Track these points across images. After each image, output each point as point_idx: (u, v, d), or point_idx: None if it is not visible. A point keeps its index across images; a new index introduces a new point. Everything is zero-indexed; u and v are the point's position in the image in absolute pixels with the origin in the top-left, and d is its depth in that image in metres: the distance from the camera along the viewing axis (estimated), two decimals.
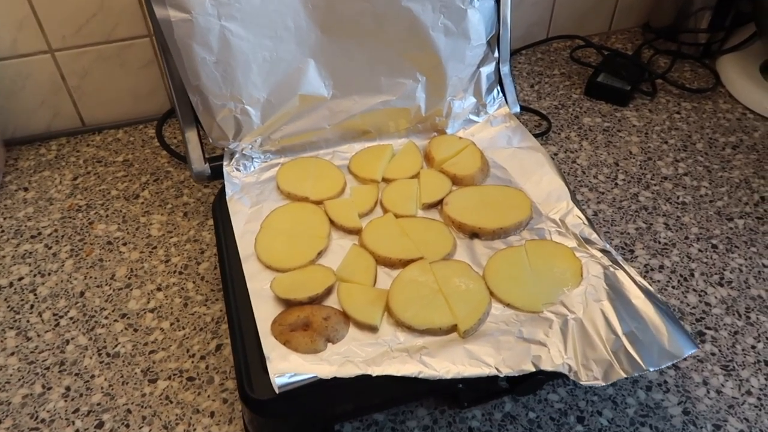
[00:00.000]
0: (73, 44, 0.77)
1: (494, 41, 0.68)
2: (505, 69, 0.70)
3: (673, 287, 0.63)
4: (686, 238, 0.68)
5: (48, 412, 0.54)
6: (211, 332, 0.60)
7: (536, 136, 0.71)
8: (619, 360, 0.45)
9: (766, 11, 0.84)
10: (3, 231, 0.70)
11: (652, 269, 0.65)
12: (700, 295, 0.62)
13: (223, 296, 0.58)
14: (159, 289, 0.64)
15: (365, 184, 0.63)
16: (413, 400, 0.53)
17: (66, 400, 0.55)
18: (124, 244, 0.68)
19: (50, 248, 0.68)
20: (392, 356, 0.47)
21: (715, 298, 0.62)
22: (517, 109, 0.71)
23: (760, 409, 0.53)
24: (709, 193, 0.73)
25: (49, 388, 0.56)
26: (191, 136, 0.63)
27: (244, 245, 0.56)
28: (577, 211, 0.57)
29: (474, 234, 0.57)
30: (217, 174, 0.63)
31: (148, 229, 0.70)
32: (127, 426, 0.53)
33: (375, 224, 0.58)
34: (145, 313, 0.62)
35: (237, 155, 0.63)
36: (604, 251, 0.54)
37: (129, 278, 0.65)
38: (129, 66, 0.80)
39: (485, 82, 0.69)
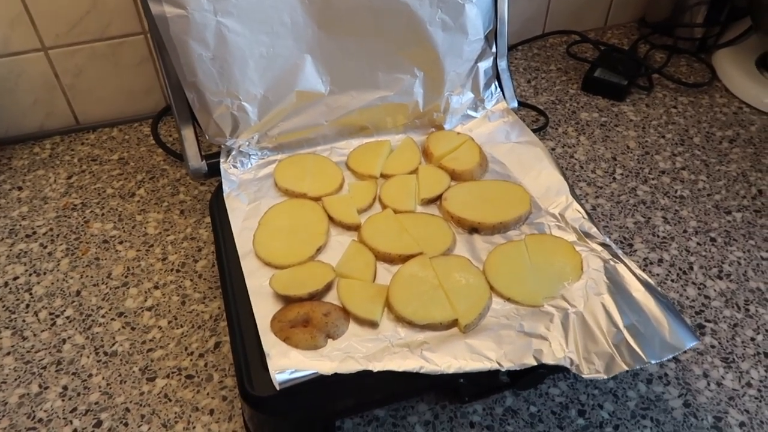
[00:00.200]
0: (67, 42, 0.76)
1: (492, 36, 0.68)
2: (502, 64, 0.70)
3: (672, 280, 0.63)
4: (685, 231, 0.68)
5: (45, 411, 0.53)
6: (210, 330, 0.59)
7: (534, 131, 0.71)
8: (621, 353, 0.45)
9: (762, 6, 0.84)
10: None
11: (651, 263, 0.65)
12: (699, 288, 0.62)
13: (221, 294, 0.58)
14: (156, 288, 0.63)
15: (363, 180, 0.63)
16: (414, 395, 0.53)
17: (63, 400, 0.54)
18: (121, 243, 0.68)
19: (45, 247, 0.67)
20: (393, 351, 0.47)
21: (714, 290, 0.62)
22: (515, 104, 0.71)
23: (760, 401, 0.54)
24: (707, 187, 0.74)
25: (46, 388, 0.55)
26: (188, 133, 0.63)
27: (243, 242, 0.55)
28: (576, 205, 0.57)
29: (473, 229, 0.57)
30: (214, 171, 0.63)
31: (145, 228, 0.69)
32: (126, 425, 0.53)
33: (374, 220, 0.58)
34: (142, 311, 0.61)
35: (234, 152, 0.63)
36: (603, 245, 0.54)
37: (126, 277, 0.64)
38: (123, 64, 0.80)
39: (483, 77, 0.69)
